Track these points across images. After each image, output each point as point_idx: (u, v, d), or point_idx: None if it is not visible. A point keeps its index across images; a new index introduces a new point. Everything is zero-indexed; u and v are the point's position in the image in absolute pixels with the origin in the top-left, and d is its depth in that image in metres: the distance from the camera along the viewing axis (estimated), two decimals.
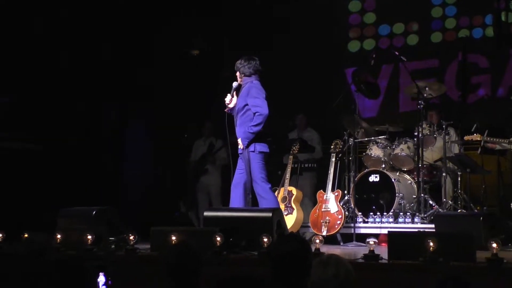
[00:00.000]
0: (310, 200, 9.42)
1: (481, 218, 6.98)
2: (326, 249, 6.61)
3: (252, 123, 7.22)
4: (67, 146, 9.50)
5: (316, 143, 10.03)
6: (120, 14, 10.16)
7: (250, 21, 11.20)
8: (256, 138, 7.24)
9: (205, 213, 7.06)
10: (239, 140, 7.28)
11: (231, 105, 7.43)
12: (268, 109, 7.21)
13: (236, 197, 7.33)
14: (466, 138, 8.51)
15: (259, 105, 7.23)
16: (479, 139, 8.31)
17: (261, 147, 7.29)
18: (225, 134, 7.48)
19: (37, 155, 9.20)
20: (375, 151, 8.96)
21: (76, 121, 9.69)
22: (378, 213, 8.49)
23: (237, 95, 7.46)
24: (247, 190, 7.36)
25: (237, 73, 7.45)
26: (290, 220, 8.39)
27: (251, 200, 7.34)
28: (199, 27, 11.10)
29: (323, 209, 8.46)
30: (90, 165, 9.74)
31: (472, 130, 8.51)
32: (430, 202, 8.51)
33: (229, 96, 7.44)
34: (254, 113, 7.24)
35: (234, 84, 7.46)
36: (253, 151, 7.25)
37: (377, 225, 8.42)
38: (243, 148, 7.25)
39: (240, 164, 7.43)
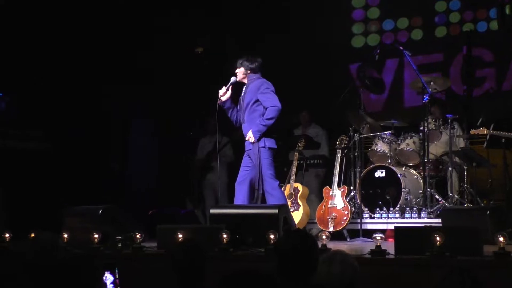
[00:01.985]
0: (316, 197, 9.42)
1: (488, 212, 6.97)
2: (333, 245, 6.61)
3: (265, 116, 7.26)
4: (72, 145, 9.52)
5: (322, 139, 10.02)
6: (123, 12, 10.19)
7: (253, 17, 11.19)
8: (266, 133, 7.26)
9: (211, 211, 7.06)
10: (250, 134, 7.27)
11: (224, 98, 7.43)
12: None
13: (241, 194, 7.34)
14: (472, 132, 8.50)
15: (272, 99, 7.29)
16: (485, 133, 8.29)
17: (271, 143, 7.32)
18: (217, 127, 7.50)
19: (42, 154, 9.22)
20: (381, 146, 8.95)
21: (81, 119, 9.70)
22: (385, 209, 8.49)
23: (232, 90, 7.48)
24: (253, 187, 7.37)
25: (240, 69, 7.45)
26: (296, 217, 8.40)
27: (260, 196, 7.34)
28: (203, 25, 11.10)
29: (329, 205, 8.46)
30: (95, 164, 9.75)
31: (478, 124, 8.50)
32: (437, 196, 8.51)
33: (224, 88, 7.44)
34: (266, 108, 7.27)
35: (233, 79, 7.47)
36: (264, 147, 7.28)
37: (383, 221, 8.42)
38: (253, 142, 7.24)
39: (246, 161, 7.43)
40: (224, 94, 7.44)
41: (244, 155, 7.49)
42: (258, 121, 7.28)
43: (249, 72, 7.44)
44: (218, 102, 7.45)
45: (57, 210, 7.57)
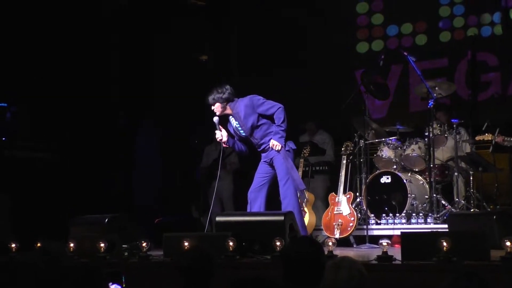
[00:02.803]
0: (322, 203, 9.40)
1: (495, 216, 6.94)
2: (339, 252, 6.60)
3: (278, 121, 7.25)
4: (78, 154, 9.52)
5: (328, 145, 9.99)
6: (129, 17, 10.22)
7: (258, 25, 11.22)
8: (286, 136, 7.29)
9: (218, 218, 7.05)
10: (274, 142, 7.23)
11: (225, 139, 7.45)
12: None
13: (258, 202, 7.31)
14: (477, 138, 8.46)
15: (272, 104, 7.29)
16: (490, 138, 8.26)
17: (292, 144, 7.40)
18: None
19: (48, 164, 9.23)
20: (386, 152, 8.95)
21: (86, 128, 9.71)
22: (391, 214, 8.47)
23: (224, 125, 7.51)
24: (269, 194, 7.39)
25: (216, 106, 7.37)
26: None
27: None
28: (207, 33, 11.13)
29: (335, 212, 8.45)
30: (101, 172, 9.76)
31: (483, 128, 8.47)
32: (443, 202, 8.49)
33: (218, 132, 7.45)
34: (272, 114, 7.26)
35: (215, 119, 7.41)
36: (289, 150, 7.32)
37: (390, 226, 8.40)
38: (279, 150, 7.22)
39: (265, 168, 7.41)
40: (222, 135, 7.45)
41: (262, 162, 7.46)
42: (275, 128, 7.27)
43: (225, 103, 7.41)
44: (225, 145, 7.51)
45: (63, 220, 7.57)
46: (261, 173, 7.44)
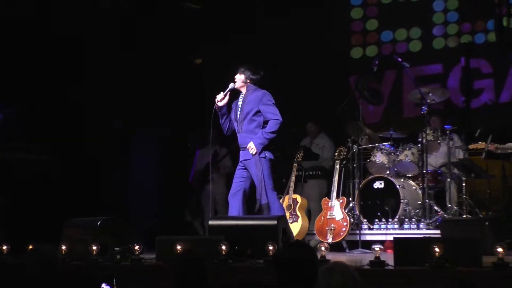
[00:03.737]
0: (315, 208, 9.40)
1: (487, 223, 6.97)
2: (332, 257, 6.60)
3: (268, 129, 7.25)
4: (72, 156, 9.50)
5: (326, 150, 9.95)
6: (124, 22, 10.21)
7: (251, 29, 11.23)
8: (267, 145, 7.27)
9: (210, 222, 7.06)
10: (252, 145, 7.24)
11: (221, 104, 7.40)
12: None
13: (235, 206, 7.32)
14: (470, 147, 8.45)
15: (276, 113, 7.30)
16: (483, 147, 8.26)
17: (270, 154, 7.33)
18: (211, 133, 7.49)
19: (41, 165, 9.21)
20: (380, 158, 8.96)
21: (81, 130, 9.69)
22: (383, 220, 8.48)
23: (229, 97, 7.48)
24: (246, 198, 7.37)
25: (241, 76, 7.42)
26: (295, 228, 8.41)
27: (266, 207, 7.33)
28: (202, 37, 11.13)
29: (328, 216, 8.46)
30: (96, 175, 9.74)
31: (476, 135, 8.49)
32: (435, 207, 8.51)
33: (221, 94, 7.40)
34: (267, 121, 7.28)
35: (231, 85, 7.42)
36: (264, 158, 7.26)
37: (382, 232, 8.41)
38: (254, 154, 7.23)
39: (241, 173, 7.42)
40: (222, 99, 7.40)
41: (238, 167, 7.46)
42: (261, 133, 7.26)
43: (249, 81, 7.41)
44: (215, 107, 7.42)
45: (56, 222, 7.55)
46: (237, 178, 7.45)
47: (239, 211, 7.29)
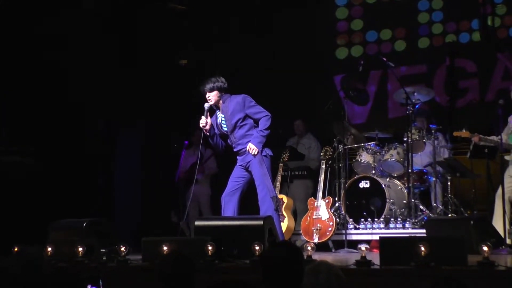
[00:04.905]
0: (302, 208, 9.41)
1: (472, 222, 6.99)
2: (318, 256, 6.62)
3: (262, 127, 7.32)
4: (57, 159, 9.47)
5: (313, 150, 9.97)
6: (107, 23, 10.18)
7: (237, 28, 11.23)
8: (265, 142, 7.32)
9: (196, 223, 7.05)
10: (252, 146, 7.27)
11: (208, 127, 7.45)
12: None
13: (231, 206, 7.33)
14: (455, 134, 8.41)
15: (262, 110, 7.37)
16: (467, 135, 8.23)
17: (269, 150, 7.43)
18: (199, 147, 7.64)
19: (27, 167, 9.16)
20: (365, 157, 8.98)
21: (66, 132, 9.66)
22: (369, 219, 8.50)
23: (211, 116, 7.51)
24: (242, 199, 7.39)
25: (213, 93, 7.40)
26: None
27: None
28: (187, 38, 11.12)
29: (314, 216, 8.47)
30: (81, 177, 9.71)
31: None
32: (421, 207, 8.54)
33: (203, 118, 7.43)
34: (260, 119, 7.33)
35: (206, 105, 7.43)
36: (266, 156, 7.33)
37: (368, 231, 8.43)
38: (255, 154, 7.25)
39: (240, 173, 7.43)
40: (206, 123, 7.44)
41: (237, 167, 7.48)
42: (256, 133, 7.32)
43: (222, 93, 7.42)
44: (206, 132, 7.47)
45: (42, 224, 7.52)
46: (236, 177, 7.46)
47: (234, 211, 7.31)
